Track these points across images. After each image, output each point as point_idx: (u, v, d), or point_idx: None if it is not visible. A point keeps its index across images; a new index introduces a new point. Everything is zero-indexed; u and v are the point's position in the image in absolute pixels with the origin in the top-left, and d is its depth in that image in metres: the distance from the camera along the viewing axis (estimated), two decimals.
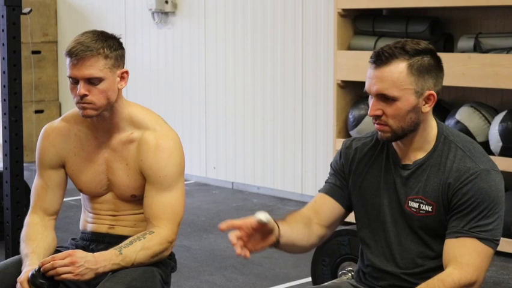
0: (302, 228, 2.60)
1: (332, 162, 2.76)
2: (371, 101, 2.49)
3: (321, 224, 2.67)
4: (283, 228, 2.47)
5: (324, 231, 2.68)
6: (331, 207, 2.68)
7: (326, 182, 2.74)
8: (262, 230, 2.39)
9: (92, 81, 2.76)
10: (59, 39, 8.77)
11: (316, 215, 2.67)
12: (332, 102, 6.09)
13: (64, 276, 2.61)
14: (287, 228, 2.50)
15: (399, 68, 2.43)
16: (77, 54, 2.74)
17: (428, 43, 2.52)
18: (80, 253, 2.66)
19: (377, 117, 2.48)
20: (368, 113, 2.50)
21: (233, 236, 2.33)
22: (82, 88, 2.76)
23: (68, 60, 2.78)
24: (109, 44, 2.79)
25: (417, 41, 2.50)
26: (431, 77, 2.47)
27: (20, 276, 2.70)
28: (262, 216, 2.35)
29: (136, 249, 2.76)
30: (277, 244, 2.46)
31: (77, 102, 2.80)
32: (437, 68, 2.50)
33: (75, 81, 2.78)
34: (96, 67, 2.76)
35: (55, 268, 2.61)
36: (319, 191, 2.74)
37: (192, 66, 7.56)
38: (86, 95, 2.76)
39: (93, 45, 2.75)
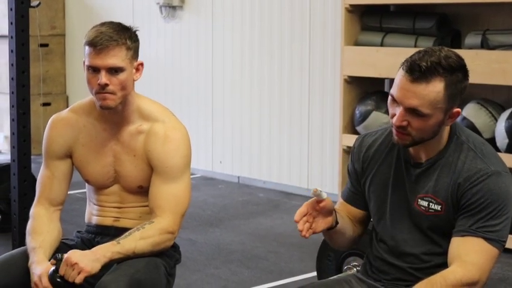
0: (349, 220, 2.70)
1: (348, 164, 2.79)
2: (397, 109, 2.45)
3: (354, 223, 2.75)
4: (338, 215, 2.58)
5: (360, 229, 2.76)
6: (355, 213, 2.74)
7: (346, 185, 2.79)
8: (323, 211, 2.49)
9: (113, 71, 2.79)
10: (67, 32, 8.78)
11: (349, 215, 2.74)
12: (339, 97, 6.10)
13: (77, 279, 2.63)
14: (339, 216, 2.60)
15: (437, 87, 2.39)
16: (101, 44, 2.76)
17: (458, 56, 2.47)
18: (75, 253, 2.68)
19: (400, 127, 2.46)
20: (394, 122, 2.46)
21: (299, 213, 2.46)
22: (104, 77, 2.78)
23: (89, 49, 2.79)
24: (130, 35, 2.84)
25: (448, 53, 2.44)
26: (459, 95, 2.46)
27: (36, 272, 2.72)
28: (323, 193, 2.46)
29: (135, 238, 2.78)
30: (334, 227, 2.56)
31: (97, 92, 2.81)
32: (465, 82, 2.47)
33: (95, 70, 2.80)
34: (119, 57, 2.79)
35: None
36: (341, 194, 2.80)
37: (199, 61, 7.56)
38: (107, 85, 2.78)
39: (116, 36, 2.79)
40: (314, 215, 2.48)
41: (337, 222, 2.56)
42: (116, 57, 2.79)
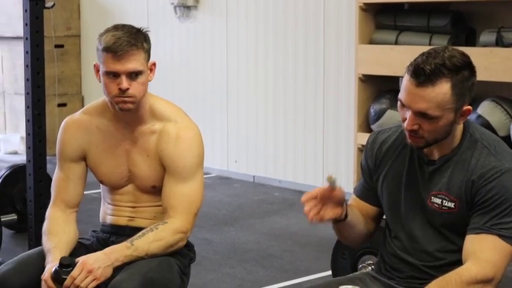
0: (360, 216, 2.70)
1: (361, 161, 2.79)
2: (407, 113, 2.45)
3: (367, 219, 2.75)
4: (348, 208, 2.58)
5: (372, 225, 2.75)
6: (367, 209, 2.74)
7: (359, 181, 2.79)
8: (334, 199, 2.48)
9: (133, 75, 2.80)
10: (82, 33, 8.81)
11: (361, 211, 2.74)
12: (353, 96, 6.09)
13: (90, 286, 2.66)
14: (350, 210, 2.60)
15: (443, 89, 2.39)
16: (121, 49, 2.76)
17: (463, 53, 2.46)
18: (91, 259, 2.70)
19: (412, 131, 2.47)
20: (405, 126, 2.46)
21: (307, 195, 2.46)
22: (125, 82, 2.79)
23: (107, 55, 2.78)
24: (144, 38, 2.85)
25: (452, 52, 2.43)
26: (468, 93, 2.45)
27: (43, 274, 2.74)
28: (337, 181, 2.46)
29: (148, 239, 2.79)
30: (344, 219, 2.56)
31: (117, 97, 2.82)
32: (473, 79, 2.46)
33: (115, 76, 2.80)
34: (138, 61, 2.80)
35: (78, 286, 2.66)
36: (354, 190, 2.80)
37: (213, 60, 7.57)
38: (128, 89, 2.80)
39: (134, 40, 2.79)
40: (324, 202, 2.48)
41: (346, 215, 2.56)
42: (136, 61, 2.80)
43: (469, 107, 2.47)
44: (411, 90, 2.41)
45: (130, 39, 2.78)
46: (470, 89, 2.45)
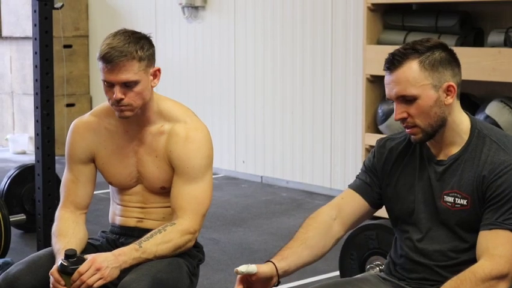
0: (316, 243, 2.67)
1: (364, 160, 2.79)
2: (394, 106, 2.52)
3: (343, 222, 2.71)
4: (285, 263, 2.60)
5: (342, 231, 2.72)
6: (356, 203, 2.72)
7: (356, 178, 2.78)
8: (259, 279, 2.51)
9: (128, 85, 2.78)
10: (90, 33, 8.83)
11: (339, 212, 2.71)
12: (361, 96, 6.09)
13: (96, 284, 2.66)
14: (292, 258, 2.62)
15: (410, 66, 2.46)
16: (112, 60, 2.74)
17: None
18: (100, 257, 2.70)
19: (403, 121, 2.51)
20: (394, 118, 2.53)
21: None
22: (118, 93, 2.78)
23: (102, 64, 2.77)
24: (141, 46, 2.80)
25: (427, 38, 2.52)
26: (446, 69, 2.49)
27: (51, 270, 2.74)
28: (244, 268, 2.47)
29: (156, 241, 2.79)
30: (284, 275, 2.60)
31: (114, 105, 2.82)
32: (451, 59, 2.51)
33: (110, 84, 2.80)
34: (131, 71, 2.77)
35: (85, 282, 2.66)
36: (348, 186, 2.78)
37: (221, 61, 7.58)
38: (122, 99, 2.79)
39: (126, 49, 2.75)
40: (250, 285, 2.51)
41: (279, 277, 2.58)
42: (128, 71, 2.77)
43: (452, 83, 2.49)
44: (387, 80, 2.51)
45: (123, 49, 2.75)
46: (449, 67, 2.49)
